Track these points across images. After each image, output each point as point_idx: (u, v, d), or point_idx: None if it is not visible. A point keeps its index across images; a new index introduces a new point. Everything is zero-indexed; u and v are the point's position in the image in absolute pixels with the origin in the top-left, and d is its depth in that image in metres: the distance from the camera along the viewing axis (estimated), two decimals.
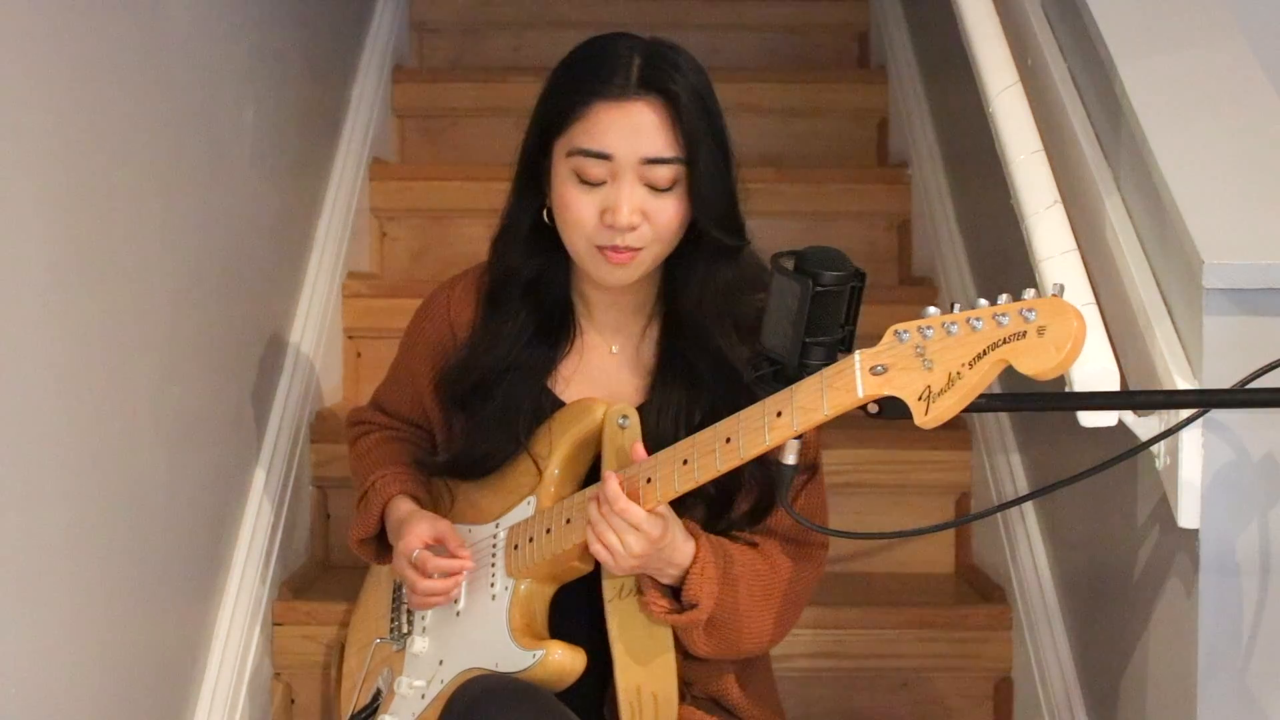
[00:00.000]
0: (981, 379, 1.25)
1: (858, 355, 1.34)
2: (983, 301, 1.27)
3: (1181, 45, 1.79)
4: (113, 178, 1.71)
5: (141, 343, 1.80)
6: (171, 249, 1.92)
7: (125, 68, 1.76)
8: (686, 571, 1.59)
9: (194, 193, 2.01)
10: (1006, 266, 2.36)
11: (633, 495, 1.54)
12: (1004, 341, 1.23)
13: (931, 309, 1.30)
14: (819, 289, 1.36)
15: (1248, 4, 1.94)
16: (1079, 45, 1.93)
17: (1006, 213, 1.87)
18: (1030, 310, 1.22)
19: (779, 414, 1.41)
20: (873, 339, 1.39)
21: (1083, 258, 1.71)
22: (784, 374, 1.42)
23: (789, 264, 1.39)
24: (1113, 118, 1.79)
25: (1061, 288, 1.24)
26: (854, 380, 1.34)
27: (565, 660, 1.62)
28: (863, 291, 1.40)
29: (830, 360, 1.40)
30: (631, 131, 1.57)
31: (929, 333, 1.29)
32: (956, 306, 1.29)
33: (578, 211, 1.59)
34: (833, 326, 1.39)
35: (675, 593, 1.62)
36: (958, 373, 1.26)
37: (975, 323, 1.25)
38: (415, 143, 3.39)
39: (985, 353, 1.25)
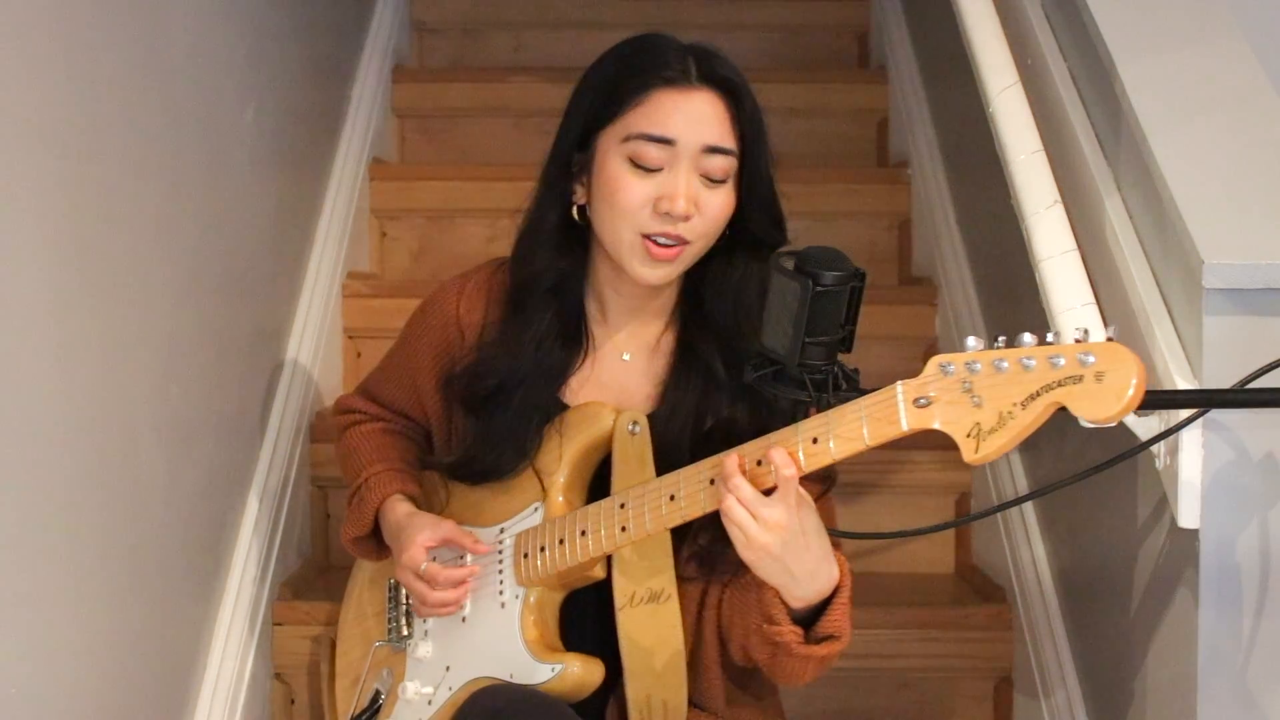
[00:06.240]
0: (1035, 420, 1.24)
1: (900, 387, 1.32)
2: (1028, 338, 1.26)
3: (1181, 45, 1.79)
4: (112, 178, 1.71)
5: (141, 343, 1.80)
6: (171, 249, 1.91)
7: (125, 67, 1.76)
8: (829, 600, 1.49)
9: (194, 193, 2.01)
10: (1007, 266, 2.36)
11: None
12: (1059, 384, 1.22)
13: (972, 340, 1.29)
14: (819, 289, 1.36)
15: (1248, 4, 1.94)
16: (1079, 45, 1.93)
17: (1006, 213, 1.87)
18: (1088, 354, 1.21)
19: (814, 440, 1.40)
20: (873, 339, 1.38)
21: (1083, 258, 1.71)
22: (784, 374, 1.42)
23: (789, 264, 1.39)
24: (1113, 118, 1.79)
25: (1116, 330, 1.23)
26: (897, 412, 1.32)
27: (584, 674, 1.60)
28: (863, 291, 1.40)
29: (831, 360, 1.40)
30: (695, 119, 1.56)
31: (976, 367, 1.27)
32: (1001, 341, 1.27)
33: (629, 197, 1.56)
34: (833, 326, 1.39)
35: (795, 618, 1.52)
36: (1009, 412, 1.25)
37: (1027, 362, 1.24)
38: (415, 143, 3.39)
39: (1039, 394, 1.23)
